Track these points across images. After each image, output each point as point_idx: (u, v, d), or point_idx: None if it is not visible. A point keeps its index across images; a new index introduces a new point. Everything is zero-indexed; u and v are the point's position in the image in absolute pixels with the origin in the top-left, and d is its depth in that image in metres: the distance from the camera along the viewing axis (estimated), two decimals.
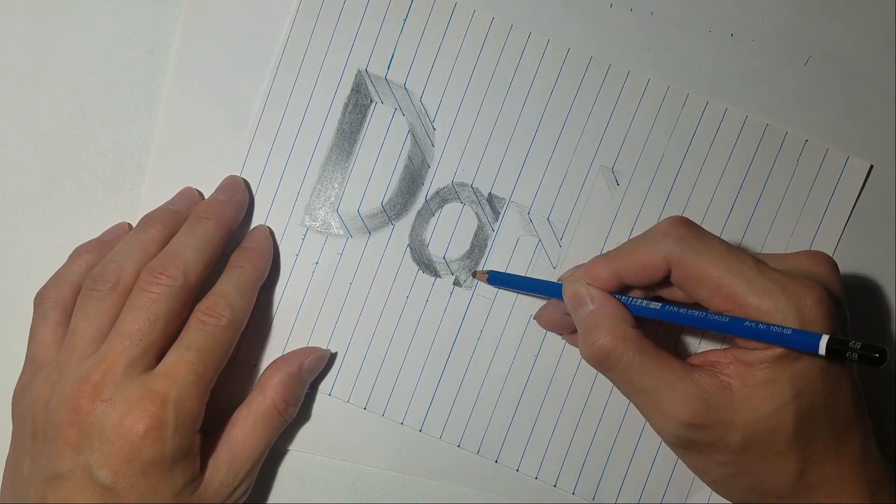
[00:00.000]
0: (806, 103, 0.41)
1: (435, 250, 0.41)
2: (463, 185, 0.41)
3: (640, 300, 0.34)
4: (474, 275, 0.40)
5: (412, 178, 0.41)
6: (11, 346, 0.39)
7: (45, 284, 0.38)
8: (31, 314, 0.38)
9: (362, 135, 0.40)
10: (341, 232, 0.41)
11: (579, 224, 0.41)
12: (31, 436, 0.35)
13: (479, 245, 0.41)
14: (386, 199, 0.41)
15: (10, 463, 0.37)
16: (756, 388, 0.32)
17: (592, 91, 0.40)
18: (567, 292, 0.35)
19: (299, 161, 0.40)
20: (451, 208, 0.41)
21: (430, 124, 0.40)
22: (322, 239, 0.41)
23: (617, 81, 0.40)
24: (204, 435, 0.36)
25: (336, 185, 0.40)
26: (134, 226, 0.39)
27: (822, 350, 0.29)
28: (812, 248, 0.40)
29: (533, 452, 0.40)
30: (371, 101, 0.40)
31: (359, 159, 0.40)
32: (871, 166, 0.40)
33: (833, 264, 0.34)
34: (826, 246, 0.40)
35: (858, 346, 0.29)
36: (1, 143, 0.41)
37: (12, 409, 0.37)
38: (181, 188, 0.40)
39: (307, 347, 0.40)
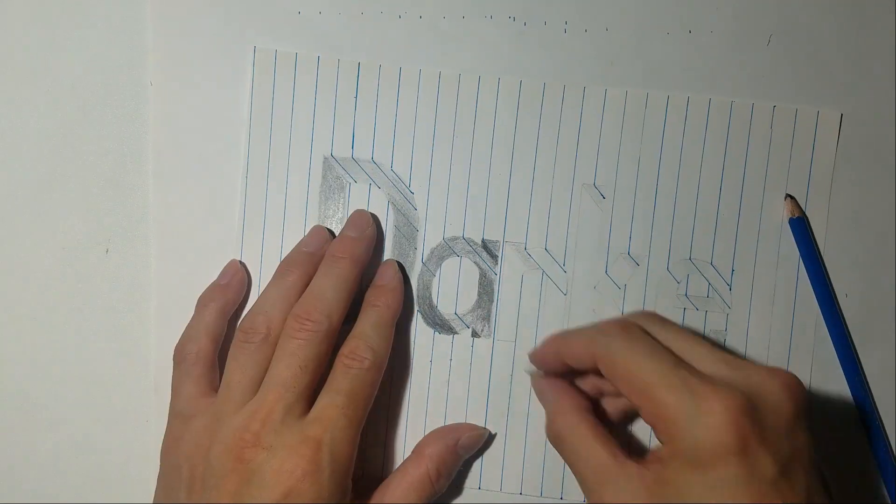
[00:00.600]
0: (777, 82, 0.41)
1: (445, 308, 0.41)
2: (454, 238, 0.41)
3: None
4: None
5: (404, 246, 0.41)
6: (10, 347, 0.40)
7: (182, 338, 0.39)
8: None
9: (345, 218, 0.40)
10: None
11: (577, 245, 0.41)
12: (187, 486, 0.35)
13: (485, 292, 0.41)
14: None
15: None
16: (661, 487, 0.31)
17: (554, 115, 0.40)
18: (533, 386, 0.39)
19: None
20: (450, 264, 0.41)
21: (406, 190, 0.41)
22: None
23: (576, 99, 0.40)
24: (355, 495, 0.37)
25: None
26: (243, 262, 0.40)
27: None
28: (807, 211, 0.40)
29: None
30: (344, 184, 0.40)
31: None
32: (842, 115, 0.41)
33: (790, 385, 0.32)
34: (819, 204, 0.41)
35: None
36: (1, 143, 0.40)
37: (161, 461, 0.37)
38: (312, 227, 0.40)
39: (466, 423, 0.41)
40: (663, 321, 0.36)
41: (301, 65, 0.40)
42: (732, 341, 0.41)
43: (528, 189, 0.40)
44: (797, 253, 0.40)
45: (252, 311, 0.38)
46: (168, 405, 0.39)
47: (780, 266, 0.40)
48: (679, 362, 0.32)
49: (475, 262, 0.41)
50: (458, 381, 0.41)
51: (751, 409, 0.31)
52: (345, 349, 0.37)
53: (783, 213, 0.40)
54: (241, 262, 0.40)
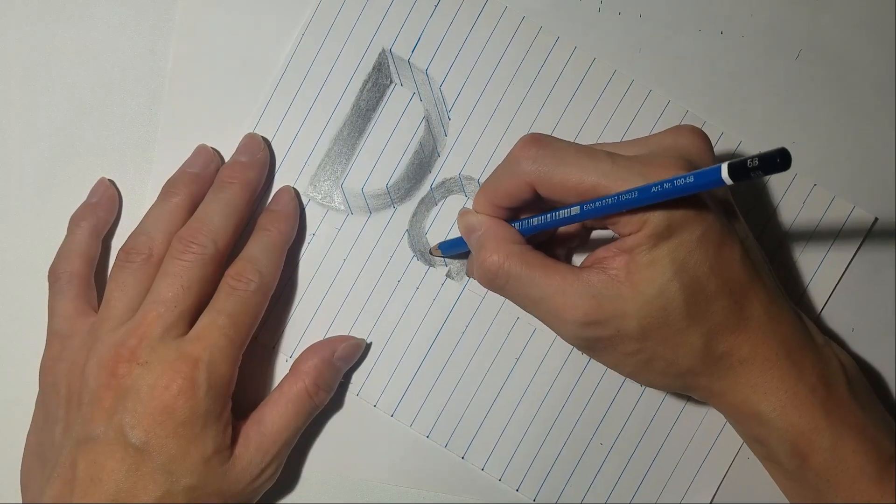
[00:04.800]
0: (799, 96, 0.41)
1: (432, 240, 0.41)
2: (470, 178, 0.41)
3: (529, 218, 0.35)
4: (431, 252, 0.40)
5: (420, 165, 0.40)
6: (10, 345, 0.40)
7: (55, 259, 0.38)
8: (41, 294, 0.38)
9: (377, 114, 0.40)
10: (342, 207, 0.40)
11: None
12: (65, 404, 0.35)
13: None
14: (391, 182, 0.40)
15: (35, 435, 0.37)
16: (639, 272, 0.32)
17: (612, 104, 0.40)
18: (460, 224, 0.37)
19: (311, 131, 0.40)
20: (454, 200, 0.41)
21: (446, 113, 0.40)
22: (323, 211, 0.40)
23: (638, 96, 0.40)
24: (235, 416, 0.36)
25: (343, 161, 0.40)
26: (111, 180, 0.40)
27: (725, 176, 0.28)
28: (809, 288, 0.40)
29: (501, 451, 0.40)
30: (391, 82, 0.40)
31: (370, 138, 0.40)
32: (876, 219, 0.41)
33: (701, 135, 0.34)
34: (825, 286, 0.41)
35: (757, 157, 0.27)
36: (1, 143, 0.40)
37: (40, 380, 0.37)
38: (196, 146, 0.40)
39: (342, 335, 0.40)
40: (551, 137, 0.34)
41: None
42: None
43: None
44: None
45: (134, 231, 0.37)
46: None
47: None
48: (609, 154, 0.32)
49: None
50: (415, 310, 0.40)
51: (692, 166, 0.32)
52: (231, 270, 0.37)
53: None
54: (109, 180, 0.40)
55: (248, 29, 0.40)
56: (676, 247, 0.32)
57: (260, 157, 0.39)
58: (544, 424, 0.40)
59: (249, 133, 0.40)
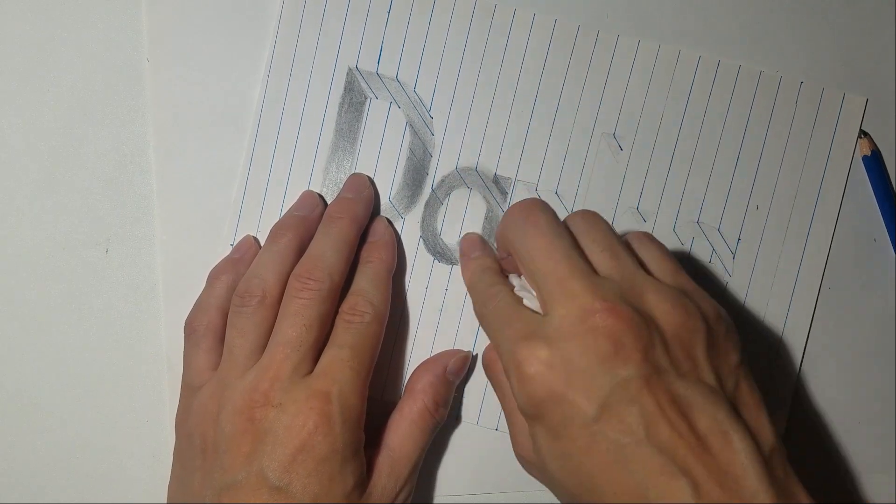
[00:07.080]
0: (775, 35, 0.41)
1: (448, 238, 0.41)
2: (467, 169, 0.41)
3: None
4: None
5: (416, 170, 0.40)
6: (11, 346, 0.40)
7: (192, 311, 0.39)
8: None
9: (361, 133, 0.40)
10: None
11: (588, 194, 0.41)
12: (200, 453, 0.35)
13: (491, 228, 0.41)
14: (393, 194, 0.40)
15: (176, 485, 0.37)
16: None
17: (584, 60, 0.40)
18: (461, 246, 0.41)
19: (302, 167, 0.40)
20: (459, 194, 0.41)
21: (426, 113, 0.40)
22: None
23: (607, 47, 0.40)
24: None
25: (342, 187, 0.40)
26: (256, 238, 0.40)
27: None
28: (821, 192, 0.41)
29: None
30: (365, 98, 0.40)
31: (361, 157, 0.40)
32: (867, 100, 0.41)
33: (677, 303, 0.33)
34: (835, 182, 0.41)
35: None
36: (1, 143, 0.40)
37: (176, 432, 0.37)
38: (302, 193, 0.40)
39: (450, 350, 0.41)
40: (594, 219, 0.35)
41: None
42: (728, 309, 0.40)
43: (546, 130, 0.40)
44: (806, 230, 0.40)
45: (246, 275, 0.38)
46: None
47: (788, 241, 0.41)
48: (569, 251, 0.33)
49: (484, 197, 0.41)
50: (450, 310, 0.41)
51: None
52: (344, 306, 0.37)
53: (797, 183, 0.40)
54: (254, 237, 0.40)
55: (216, 81, 0.40)
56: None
57: (366, 194, 0.40)
58: None
59: (355, 172, 0.40)
